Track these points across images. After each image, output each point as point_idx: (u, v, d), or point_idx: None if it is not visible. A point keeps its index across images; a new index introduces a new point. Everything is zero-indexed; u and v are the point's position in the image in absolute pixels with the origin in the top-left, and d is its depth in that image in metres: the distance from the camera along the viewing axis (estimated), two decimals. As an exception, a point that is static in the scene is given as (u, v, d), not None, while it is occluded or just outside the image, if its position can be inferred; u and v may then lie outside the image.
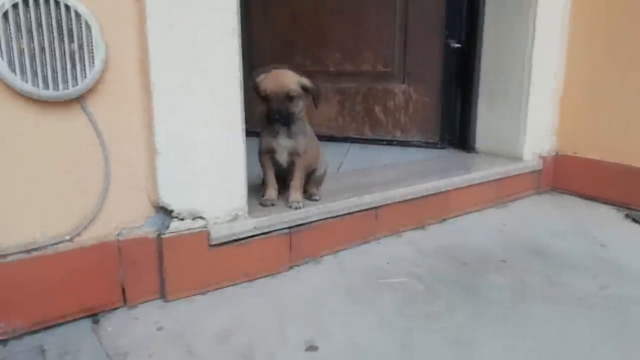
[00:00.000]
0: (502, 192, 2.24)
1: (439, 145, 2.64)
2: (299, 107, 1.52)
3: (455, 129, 2.62)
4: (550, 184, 2.46)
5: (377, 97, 2.69)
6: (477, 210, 2.14)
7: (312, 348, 1.13)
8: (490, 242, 1.80)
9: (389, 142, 2.72)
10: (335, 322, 1.24)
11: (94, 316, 1.23)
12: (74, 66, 1.08)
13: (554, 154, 2.44)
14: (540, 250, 1.72)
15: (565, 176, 2.41)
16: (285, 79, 1.49)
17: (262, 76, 1.52)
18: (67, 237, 1.16)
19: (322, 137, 2.80)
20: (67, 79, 1.08)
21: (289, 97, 1.48)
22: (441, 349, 1.13)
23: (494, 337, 1.19)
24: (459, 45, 2.51)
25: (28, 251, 1.11)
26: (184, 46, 1.22)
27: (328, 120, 2.82)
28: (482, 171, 2.12)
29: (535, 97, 2.28)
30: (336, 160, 2.34)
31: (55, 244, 1.15)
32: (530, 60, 2.23)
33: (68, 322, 1.19)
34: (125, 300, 1.27)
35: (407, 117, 2.66)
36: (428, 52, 2.56)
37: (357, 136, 2.78)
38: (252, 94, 1.54)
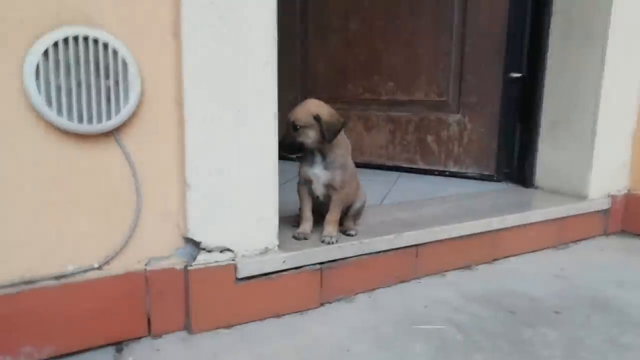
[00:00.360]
0: (563, 233, 2.06)
1: (495, 179, 2.49)
2: (309, 137, 1.48)
3: (514, 162, 2.47)
4: (620, 226, 2.24)
5: (429, 126, 2.61)
6: (532, 252, 1.98)
7: (330, 399, 1.06)
8: (544, 289, 1.64)
9: (441, 173, 2.61)
10: (360, 372, 1.17)
11: (119, 344, 1.24)
12: (108, 101, 1.12)
13: (625, 192, 2.22)
14: (601, 303, 1.55)
15: (638, 218, 2.18)
16: (298, 109, 1.49)
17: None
18: (96, 266, 1.18)
19: (371, 166, 2.77)
20: (101, 114, 1.11)
21: (295, 127, 1.47)
22: (472, 413, 1.03)
23: (535, 403, 1.06)
24: (520, 74, 2.38)
25: (58, 278, 1.14)
26: (217, 82, 1.22)
27: (379, 149, 2.76)
28: (539, 210, 1.97)
29: (604, 130, 2.10)
30: (383, 189, 2.27)
31: (84, 271, 1.17)
32: (599, 90, 2.06)
33: (93, 349, 1.21)
34: (150, 331, 1.27)
35: (462, 147, 2.54)
36: (486, 81, 2.45)
37: (407, 165, 2.69)
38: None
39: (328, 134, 1.46)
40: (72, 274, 1.16)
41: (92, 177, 1.16)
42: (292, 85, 2.94)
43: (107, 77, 1.11)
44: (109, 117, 1.12)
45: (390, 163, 2.74)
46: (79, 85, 1.08)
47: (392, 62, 2.63)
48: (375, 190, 2.27)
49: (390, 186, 2.37)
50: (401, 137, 2.69)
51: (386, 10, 2.60)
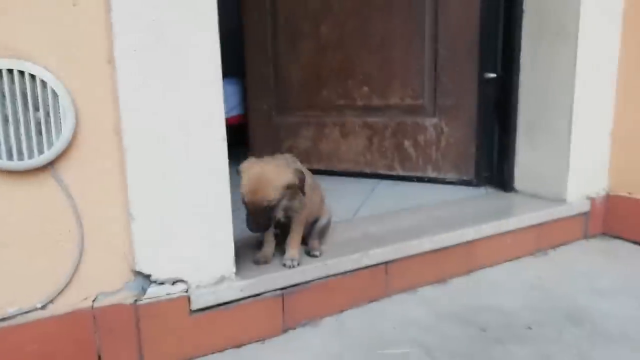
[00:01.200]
0: (542, 239, 2.01)
1: (474, 183, 2.44)
2: (283, 205, 1.38)
3: (493, 166, 2.41)
4: (601, 228, 2.19)
5: (406, 131, 2.55)
6: (510, 259, 1.93)
7: None
8: (518, 302, 1.59)
9: (420, 179, 2.56)
10: (317, 406, 1.12)
11: (67, 386, 1.19)
12: (40, 135, 1.06)
13: (604, 194, 2.17)
14: (575, 314, 1.50)
15: (618, 220, 2.13)
16: (264, 190, 1.30)
17: (244, 174, 1.34)
18: (39, 306, 1.13)
19: (349, 174, 2.72)
20: (32, 147, 1.06)
21: (269, 208, 1.32)
22: None
23: None
24: (495, 75, 2.32)
25: (-3, 322, 1.09)
26: (158, 108, 1.17)
27: (355, 156, 2.70)
28: (516, 217, 1.92)
29: (580, 130, 2.04)
30: (358, 200, 2.22)
31: (27, 312, 1.12)
32: (572, 89, 2.00)
33: (41, 392, 1.16)
34: (100, 370, 1.22)
35: (439, 152, 2.49)
36: (461, 82, 2.39)
37: (386, 172, 2.64)
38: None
39: (302, 189, 1.37)
40: (14, 316, 1.11)
41: (29, 213, 1.10)
42: (266, 94, 2.89)
43: (36, 109, 1.05)
44: (41, 151, 1.06)
45: (368, 170, 2.69)
46: (5, 120, 1.02)
47: (366, 67, 2.58)
48: (350, 200, 2.22)
49: (367, 195, 2.31)
50: (378, 144, 2.64)
51: (357, 12, 2.54)
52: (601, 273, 1.81)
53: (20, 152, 1.04)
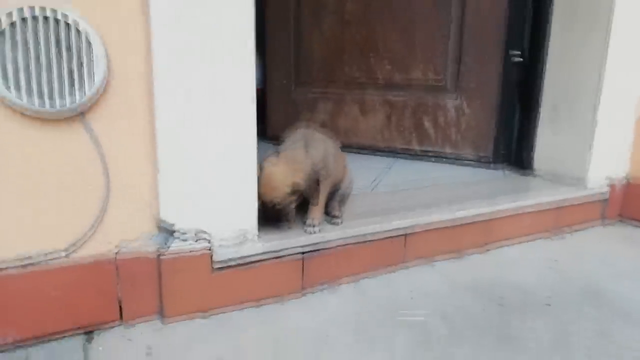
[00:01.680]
0: (559, 221, 1.99)
1: (492, 163, 2.42)
2: (294, 203, 1.42)
3: (512, 148, 2.39)
4: (618, 215, 2.17)
5: (427, 111, 2.53)
6: (527, 241, 1.92)
7: (301, 392, 1.02)
8: (536, 280, 1.59)
9: (438, 157, 2.54)
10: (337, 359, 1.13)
11: (90, 333, 1.20)
12: (72, 82, 1.06)
13: (625, 180, 2.15)
14: (594, 294, 1.49)
15: (637, 207, 2.11)
16: (272, 192, 1.36)
17: (260, 172, 1.36)
18: (63, 252, 1.14)
19: (367, 149, 2.71)
20: (65, 95, 1.06)
21: (276, 207, 1.38)
22: (448, 410, 0.98)
23: (516, 400, 1.02)
24: (521, 58, 2.29)
25: (24, 266, 1.10)
26: (189, 60, 1.16)
27: (374, 133, 2.69)
28: (535, 198, 1.90)
29: (604, 116, 2.02)
30: (375, 175, 2.21)
31: (51, 258, 1.13)
32: (601, 75, 1.97)
33: (63, 336, 1.18)
34: (122, 318, 1.23)
35: (460, 134, 2.47)
36: (485, 64, 2.36)
37: (403, 150, 2.62)
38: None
39: (311, 197, 1.41)
40: (38, 261, 1.12)
41: (58, 161, 1.11)
42: (286, 67, 2.87)
43: (70, 57, 1.05)
44: (72, 99, 1.06)
45: (386, 147, 2.67)
46: (39, 66, 1.02)
47: (389, 44, 2.55)
48: (368, 175, 2.21)
49: (384, 171, 2.30)
50: (397, 122, 2.62)
51: (383, -11, 2.50)
52: (619, 257, 1.79)
53: (52, 99, 1.05)
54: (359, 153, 2.71)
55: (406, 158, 2.61)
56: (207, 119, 1.21)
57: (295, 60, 2.83)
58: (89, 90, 1.08)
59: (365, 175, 2.21)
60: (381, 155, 2.66)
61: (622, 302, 1.44)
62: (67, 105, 1.06)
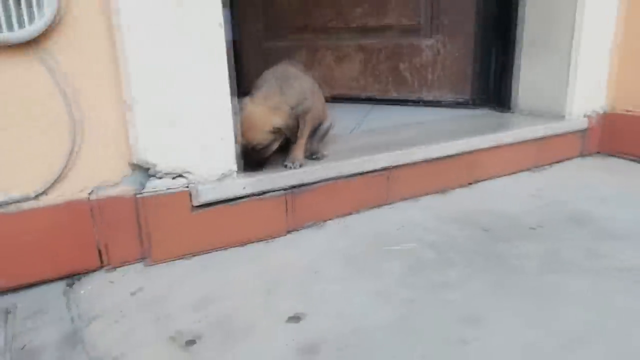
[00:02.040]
0: (540, 154, 2.00)
1: (471, 105, 2.40)
2: (274, 147, 1.37)
3: (490, 86, 2.37)
4: (597, 147, 2.19)
5: (402, 53, 2.47)
6: (509, 174, 1.92)
7: (295, 319, 1.00)
8: (520, 208, 1.59)
9: (416, 103, 2.51)
10: (328, 292, 1.10)
11: (70, 278, 1.15)
12: (27, 5, 0.96)
13: (603, 111, 2.15)
14: (578, 217, 1.50)
15: (617, 137, 2.13)
16: (251, 132, 1.32)
17: (239, 115, 1.32)
18: (32, 195, 1.07)
19: (343, 99, 2.65)
20: (17, 20, 0.96)
21: (258, 149, 1.33)
22: (446, 324, 0.97)
23: (512, 311, 1.01)
24: (496, -9, 2.24)
25: (-12, 209, 1.03)
26: (153, -20, 1.08)
27: (349, 81, 2.63)
28: (516, 130, 1.89)
29: (582, 46, 2.00)
30: (354, 121, 2.16)
31: (18, 201, 1.06)
32: (576, 4, 1.94)
33: (43, 283, 1.12)
34: (103, 263, 1.18)
35: (436, 75, 2.43)
36: (459, 0, 2.30)
37: (381, 97, 2.58)
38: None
39: (293, 136, 1.36)
40: (6, 204, 1.05)
41: (16, 95, 1.02)
42: (255, 16, 2.76)
43: (18, -26, 0.95)
44: (21, 25, 0.97)
45: (363, 95, 2.62)
46: (-15, -17, 0.93)
47: (361, -14, 2.46)
48: (346, 121, 2.16)
49: (362, 117, 2.26)
50: (373, 67, 2.56)
51: None
52: (601, 184, 1.81)
53: (9, 23, 0.95)
54: (335, 102, 2.65)
55: (383, 104, 2.56)
56: (175, 49, 1.13)
57: (264, 8, 2.72)
58: (43, 14, 0.98)
59: (343, 122, 2.16)
60: (358, 104, 2.61)
61: (606, 222, 1.46)
62: (18, 29, 0.97)
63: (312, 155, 1.47)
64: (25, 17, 0.97)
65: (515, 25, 2.17)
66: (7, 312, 1.02)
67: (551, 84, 2.09)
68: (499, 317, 0.99)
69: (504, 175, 1.91)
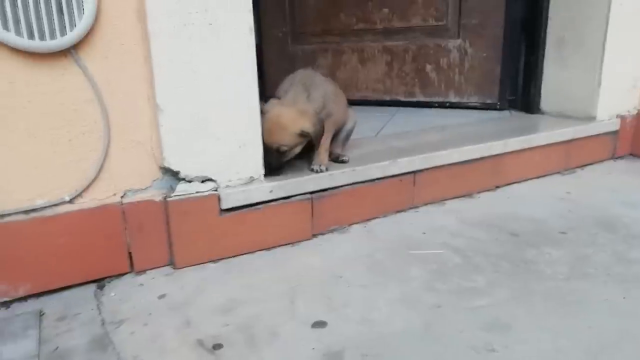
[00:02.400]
0: (570, 157, 1.96)
1: (498, 107, 2.37)
2: (297, 151, 1.37)
3: (518, 88, 2.33)
4: (629, 149, 2.13)
5: (428, 54, 2.46)
6: (537, 177, 1.89)
7: (319, 324, 1.01)
8: (548, 212, 1.56)
9: (442, 105, 2.48)
10: (352, 297, 1.11)
11: (100, 281, 1.18)
12: (61, 14, 1.00)
13: (636, 112, 2.10)
14: (608, 222, 1.47)
15: (649, 139, 2.07)
16: (277, 134, 1.31)
17: (265, 115, 1.32)
18: (67, 199, 1.11)
19: (368, 102, 2.64)
20: (54, 28, 1.00)
21: (281, 152, 1.33)
22: (473, 331, 0.97)
23: (541, 318, 1.00)
24: (524, -10, 2.21)
25: (26, 212, 1.07)
26: (182, -10, 1.10)
27: (375, 83, 2.62)
28: (544, 132, 1.86)
29: (613, 47, 1.95)
30: (379, 124, 2.16)
31: (55, 205, 1.10)
32: (609, 3, 1.89)
33: (75, 286, 1.16)
34: (132, 266, 1.21)
35: (462, 75, 2.40)
36: (487, 0, 2.27)
37: (406, 99, 2.56)
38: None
39: (317, 140, 1.35)
40: (42, 208, 1.09)
41: (53, 101, 1.06)
42: (281, 20, 2.77)
43: (55, -13, 0.99)
44: (63, 33, 1.01)
45: (387, 97, 2.61)
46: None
47: (386, -13, 2.45)
48: (371, 124, 2.16)
49: (387, 120, 2.25)
50: (399, 69, 2.55)
51: None
52: (631, 188, 1.77)
53: (41, 32, 0.99)
54: (360, 104, 2.65)
55: (408, 107, 2.55)
56: (205, 57, 1.15)
57: (290, 11, 2.74)
58: (79, 23, 1.02)
59: (368, 124, 2.16)
60: (384, 106, 2.60)
61: (637, 227, 1.42)
62: (58, 38, 1.00)
63: (337, 159, 1.48)
64: (67, 24, 1.01)
65: (544, 25, 2.12)
66: (41, 313, 1.06)
67: (581, 85, 2.05)
68: (527, 325, 0.98)
69: (532, 178, 1.88)
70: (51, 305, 1.09)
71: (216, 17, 1.14)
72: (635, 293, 1.08)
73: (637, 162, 2.08)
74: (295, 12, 2.73)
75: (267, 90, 2.90)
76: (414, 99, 2.55)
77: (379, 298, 1.10)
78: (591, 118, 2.02)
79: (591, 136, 1.99)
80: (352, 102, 2.62)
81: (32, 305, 1.09)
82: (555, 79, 2.14)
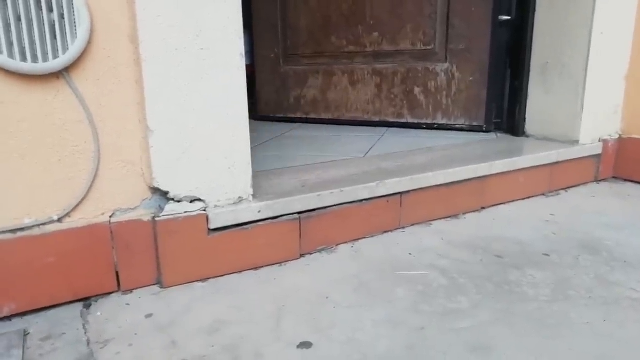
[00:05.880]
0: (554, 179, 2.00)
1: (485, 129, 2.42)
2: None
3: (504, 111, 2.38)
4: (612, 172, 2.18)
5: (417, 77, 2.51)
6: (522, 199, 1.92)
7: (305, 345, 1.01)
8: (533, 234, 1.59)
9: (429, 126, 2.53)
10: (338, 318, 1.11)
11: (87, 300, 1.18)
12: (54, 38, 1.02)
13: (617, 136, 2.15)
14: (591, 244, 1.50)
15: (631, 162, 2.12)
16: None
17: None
18: (56, 218, 1.11)
19: (357, 122, 2.68)
20: (47, 51, 1.02)
21: None
22: (455, 353, 0.98)
23: (522, 340, 1.01)
24: (509, 17, 2.27)
25: (13, 231, 1.07)
26: (175, 14, 1.13)
27: (365, 104, 2.66)
28: (528, 155, 1.90)
29: (595, 71, 2.01)
30: (368, 144, 2.19)
31: (43, 224, 1.10)
32: (590, 28, 1.96)
33: (61, 305, 1.16)
34: (119, 285, 1.21)
35: (450, 98, 2.45)
36: (474, 26, 2.34)
37: (395, 120, 2.61)
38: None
39: None
40: (30, 227, 1.09)
41: (45, 122, 1.07)
42: (273, 41, 2.82)
43: (50, 9, 1.01)
44: (55, 55, 1.03)
45: (377, 118, 2.65)
46: (18, 19, 0.98)
47: (376, 11, 2.51)
48: (360, 145, 2.19)
49: (375, 141, 2.28)
50: (388, 91, 2.60)
51: (367, -46, 2.46)
52: (614, 211, 1.80)
53: (34, 55, 1.01)
54: (350, 125, 2.69)
55: (397, 128, 2.59)
56: (195, 80, 1.18)
57: (282, 33, 2.79)
58: (72, 46, 1.04)
59: (357, 145, 2.19)
60: (373, 126, 2.64)
61: (619, 249, 1.45)
62: (50, 60, 1.02)
63: (326, 180, 1.50)
64: (60, 47, 1.03)
65: (528, 51, 2.19)
66: (25, 333, 1.05)
67: (564, 109, 2.10)
68: (509, 346, 0.99)
69: (517, 199, 1.91)
70: (36, 324, 1.09)
71: (207, 42, 1.17)
72: (615, 316, 1.10)
73: (619, 185, 2.13)
74: (287, 34, 2.78)
75: (260, 111, 2.94)
76: (403, 120, 2.59)
77: (365, 319, 1.11)
78: (574, 142, 2.07)
79: (575, 159, 2.04)
80: (342, 123, 2.69)
81: (17, 324, 1.09)
82: (540, 103, 2.19)
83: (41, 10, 1.00)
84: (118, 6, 1.10)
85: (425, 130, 2.51)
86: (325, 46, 2.69)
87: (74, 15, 1.03)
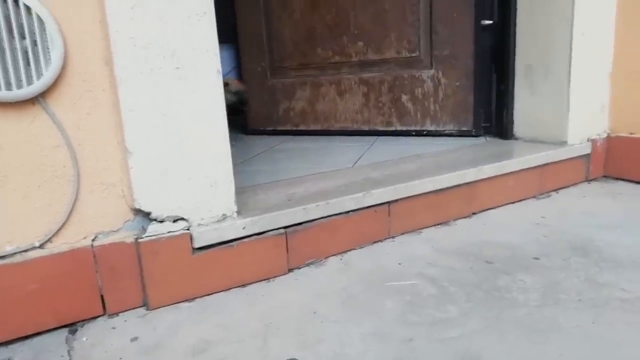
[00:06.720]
0: (544, 181, 1.99)
1: (474, 133, 2.41)
2: None
3: (492, 115, 2.38)
4: (602, 171, 2.17)
5: (403, 85, 2.51)
6: (512, 203, 1.92)
7: (292, 362, 1.00)
8: (523, 238, 1.58)
9: (419, 133, 2.53)
10: (325, 333, 1.10)
11: (72, 326, 1.17)
12: (28, 64, 1.02)
13: (606, 135, 2.15)
14: (581, 246, 1.49)
15: (620, 160, 2.11)
16: None
17: None
18: (37, 244, 1.11)
19: (347, 132, 2.69)
20: (21, 78, 1.02)
21: None
22: (442, 364, 0.97)
23: (511, 346, 1.00)
24: (491, 21, 2.28)
25: (-6, 260, 1.06)
26: (149, 35, 1.13)
27: (353, 114, 2.67)
28: (517, 158, 1.89)
29: (579, 71, 2.01)
30: (357, 153, 2.19)
31: (24, 251, 1.09)
32: (572, 30, 1.97)
33: (46, 332, 1.14)
34: (105, 309, 1.20)
35: (437, 104, 2.46)
36: (457, 31, 2.35)
37: (384, 128, 2.61)
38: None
39: None
40: (12, 254, 1.09)
41: (22, 149, 1.07)
42: (259, 55, 2.83)
43: (22, 37, 1.01)
44: (30, 82, 1.03)
45: (366, 128, 2.65)
46: (-10, 47, 0.99)
47: (360, 20, 2.52)
48: (349, 155, 2.19)
49: (365, 150, 2.28)
50: (375, 99, 2.60)
51: (348, -35, 2.48)
52: (605, 211, 1.79)
53: (7, 82, 1.01)
54: (340, 135, 2.69)
55: (386, 136, 2.59)
56: (173, 100, 1.18)
57: (268, 46, 2.80)
58: (46, 72, 1.04)
59: (346, 155, 2.19)
60: (363, 136, 2.64)
61: (610, 250, 1.44)
62: (25, 87, 1.02)
63: (311, 193, 1.50)
64: (34, 73, 1.03)
65: (512, 54, 2.19)
66: (11, 361, 1.04)
67: (550, 111, 2.10)
68: (498, 355, 0.98)
69: (508, 203, 1.90)
70: (21, 352, 1.08)
71: (183, 61, 1.17)
72: (604, 318, 1.09)
73: (610, 184, 2.12)
74: (273, 47, 2.79)
75: (250, 126, 2.94)
76: (392, 129, 2.59)
77: (353, 333, 1.10)
78: (563, 142, 2.07)
79: (564, 160, 2.03)
80: (332, 133, 2.69)
81: (2, 354, 1.07)
82: (527, 105, 2.20)
83: (13, 38, 1.00)
84: (91, 29, 1.10)
85: (415, 138, 2.51)
86: (311, 57, 2.70)
87: (46, 41, 1.04)
